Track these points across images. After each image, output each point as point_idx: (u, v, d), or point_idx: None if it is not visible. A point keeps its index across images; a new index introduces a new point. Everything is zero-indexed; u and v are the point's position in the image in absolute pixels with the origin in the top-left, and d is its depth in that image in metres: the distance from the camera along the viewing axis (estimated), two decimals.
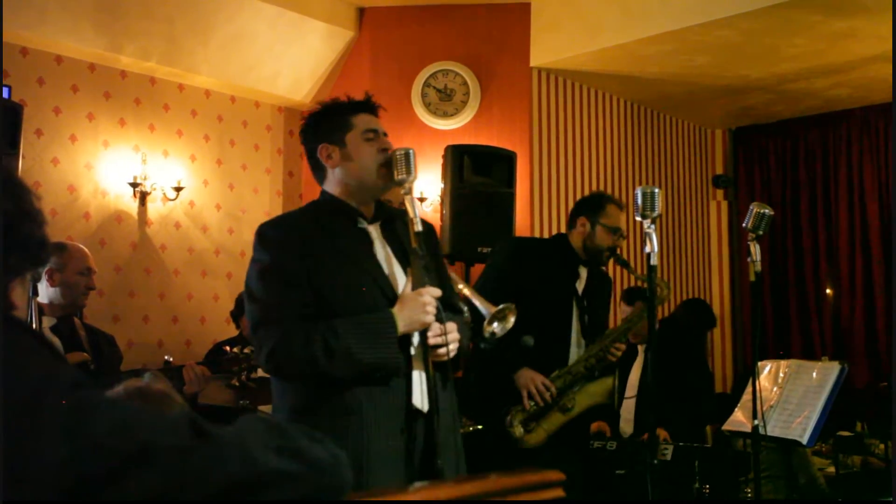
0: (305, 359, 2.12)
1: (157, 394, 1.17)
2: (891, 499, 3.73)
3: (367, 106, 2.38)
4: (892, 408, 4.60)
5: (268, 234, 2.27)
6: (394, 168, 2.26)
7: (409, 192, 2.27)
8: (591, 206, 3.44)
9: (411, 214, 2.24)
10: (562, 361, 3.32)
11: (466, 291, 2.94)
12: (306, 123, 2.41)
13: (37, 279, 3.24)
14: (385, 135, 2.36)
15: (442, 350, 2.21)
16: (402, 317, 2.17)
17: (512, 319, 2.77)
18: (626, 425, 4.54)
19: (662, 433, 4.22)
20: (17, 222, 1.04)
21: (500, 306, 2.76)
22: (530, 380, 3.22)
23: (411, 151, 2.26)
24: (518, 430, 3.20)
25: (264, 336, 2.18)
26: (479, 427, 3.54)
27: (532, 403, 3.22)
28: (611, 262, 3.44)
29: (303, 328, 2.14)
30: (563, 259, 3.43)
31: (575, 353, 3.36)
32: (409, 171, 2.25)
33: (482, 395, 3.34)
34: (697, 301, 6.13)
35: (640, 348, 4.61)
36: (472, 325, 2.68)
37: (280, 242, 2.24)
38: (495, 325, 2.75)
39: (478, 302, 2.88)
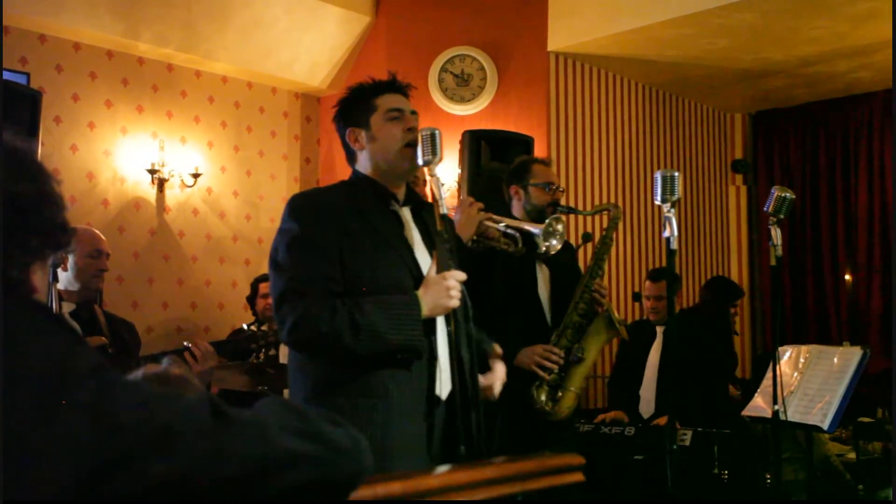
0: (331, 333, 2.06)
1: (176, 378, 1.17)
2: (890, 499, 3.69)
3: (392, 86, 2.34)
4: (892, 400, 4.56)
5: (301, 205, 2.22)
6: (419, 148, 2.20)
7: (435, 173, 2.22)
8: (518, 172, 3.43)
9: (437, 196, 2.19)
10: (541, 332, 3.24)
11: (508, 220, 3.04)
12: (336, 111, 2.38)
13: (57, 264, 3.26)
14: (414, 113, 2.32)
15: None
16: (427, 300, 2.13)
17: (560, 226, 2.91)
18: (646, 406, 4.52)
19: (663, 421, 4.20)
20: (39, 205, 1.04)
21: (546, 220, 2.90)
22: (530, 355, 3.15)
23: (437, 132, 2.20)
24: (548, 405, 3.15)
25: (289, 308, 2.11)
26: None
27: (547, 373, 3.15)
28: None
29: (329, 302, 2.09)
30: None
31: (550, 321, 3.29)
32: (434, 152, 2.19)
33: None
34: (718, 278, 6.10)
35: (659, 330, 4.58)
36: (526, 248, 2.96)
37: (313, 214, 2.19)
38: (551, 240, 2.89)
39: (526, 225, 3.00)
